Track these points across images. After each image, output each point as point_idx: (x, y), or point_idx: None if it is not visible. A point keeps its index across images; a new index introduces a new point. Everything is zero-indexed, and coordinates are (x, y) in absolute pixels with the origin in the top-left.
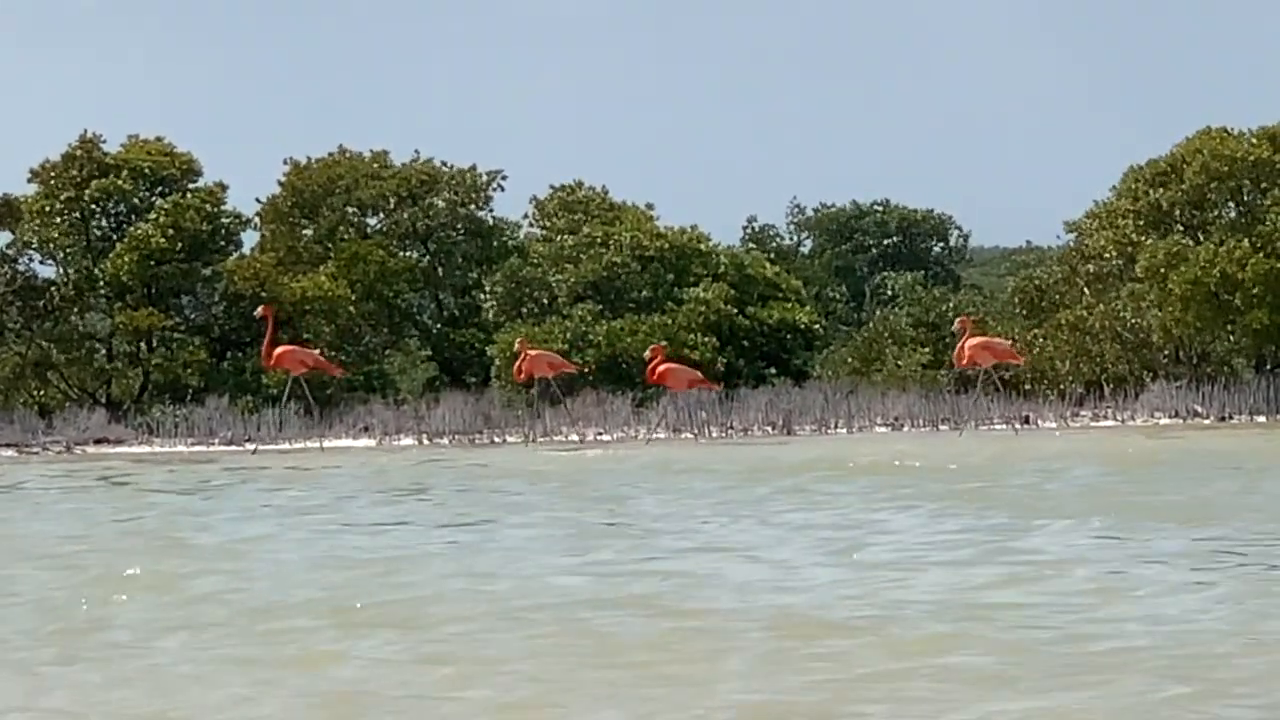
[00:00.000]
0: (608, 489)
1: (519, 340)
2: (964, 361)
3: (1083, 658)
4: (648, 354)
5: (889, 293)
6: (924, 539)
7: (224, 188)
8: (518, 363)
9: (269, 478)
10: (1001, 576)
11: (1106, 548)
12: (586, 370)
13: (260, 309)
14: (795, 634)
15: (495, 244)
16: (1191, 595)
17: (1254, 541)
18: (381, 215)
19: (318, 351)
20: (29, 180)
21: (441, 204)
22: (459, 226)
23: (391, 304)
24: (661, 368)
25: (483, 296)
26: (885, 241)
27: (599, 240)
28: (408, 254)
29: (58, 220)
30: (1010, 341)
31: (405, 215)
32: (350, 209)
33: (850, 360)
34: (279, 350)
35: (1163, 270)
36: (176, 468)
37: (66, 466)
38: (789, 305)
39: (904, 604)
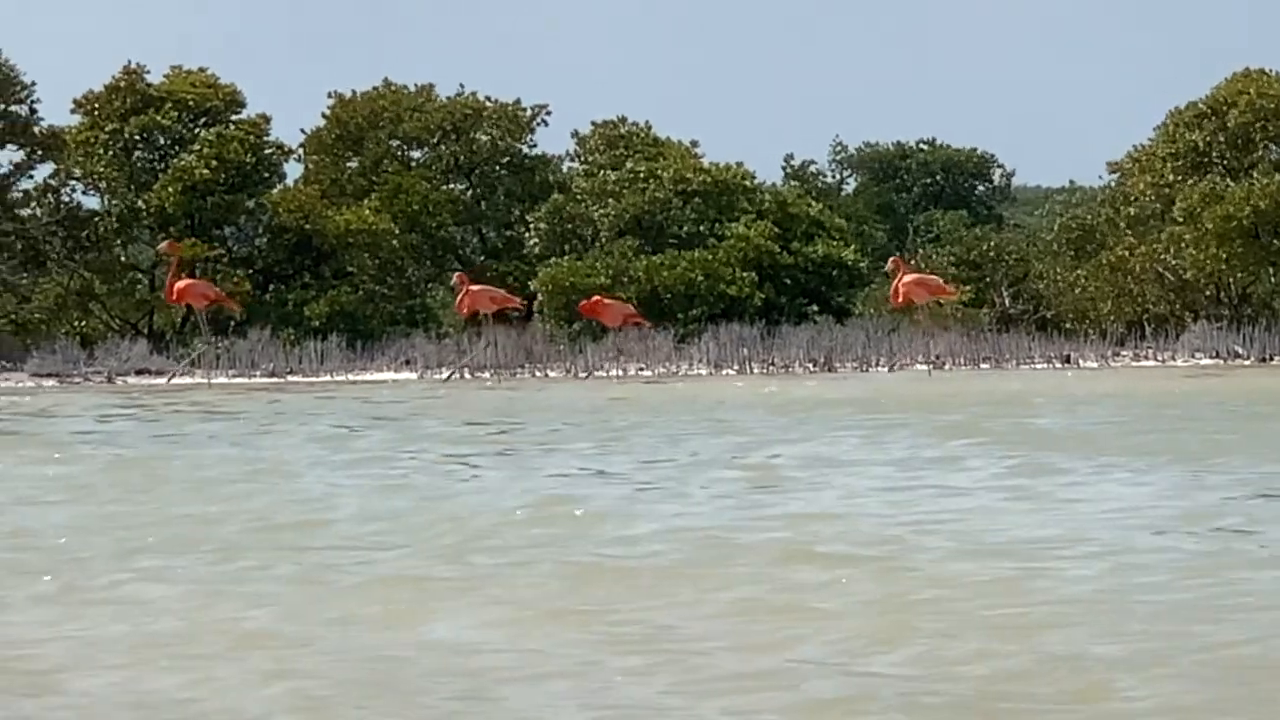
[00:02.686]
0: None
1: (457, 275)
2: (899, 299)
3: None
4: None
5: (933, 231)
6: None
7: (267, 119)
8: (459, 298)
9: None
10: None
11: None
12: (523, 306)
13: (164, 244)
14: None
15: (538, 179)
16: None
17: None
18: (425, 149)
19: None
20: (72, 111)
21: (485, 138)
22: (502, 161)
23: (434, 237)
24: (594, 301)
25: (525, 231)
26: (928, 180)
27: (642, 175)
28: (451, 187)
29: (101, 151)
30: (943, 279)
31: (449, 149)
32: (394, 142)
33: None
34: (180, 284)
35: (1198, 211)
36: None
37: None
38: (833, 242)
39: None
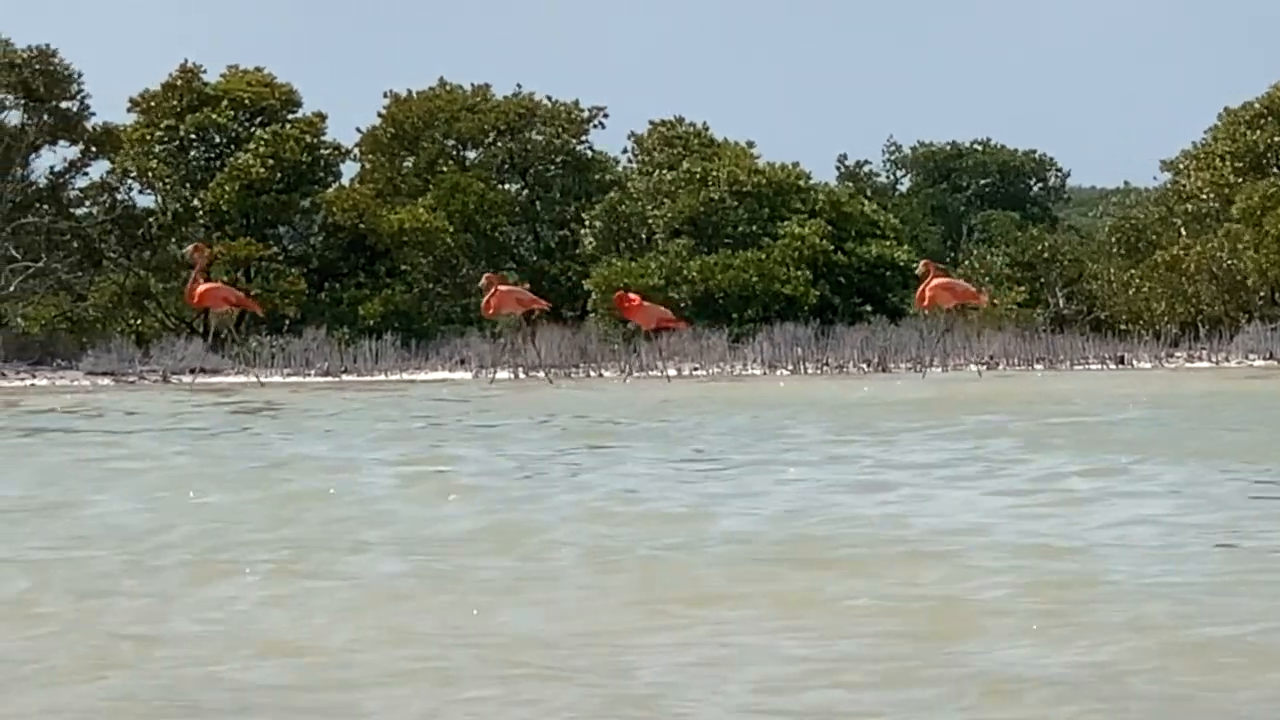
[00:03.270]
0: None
1: (486, 276)
2: (925, 303)
3: None
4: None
5: (988, 232)
6: None
7: (323, 118)
8: (486, 298)
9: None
10: None
11: None
12: (549, 308)
13: (191, 247)
14: None
15: (593, 178)
16: None
17: None
18: (481, 148)
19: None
20: (129, 109)
21: (540, 137)
22: (557, 160)
23: (489, 236)
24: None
25: (581, 230)
26: (983, 181)
27: (698, 176)
28: (506, 187)
29: (157, 149)
30: (976, 287)
31: (504, 148)
32: (449, 141)
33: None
34: (201, 288)
35: (1259, 212)
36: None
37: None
38: (887, 243)
39: None
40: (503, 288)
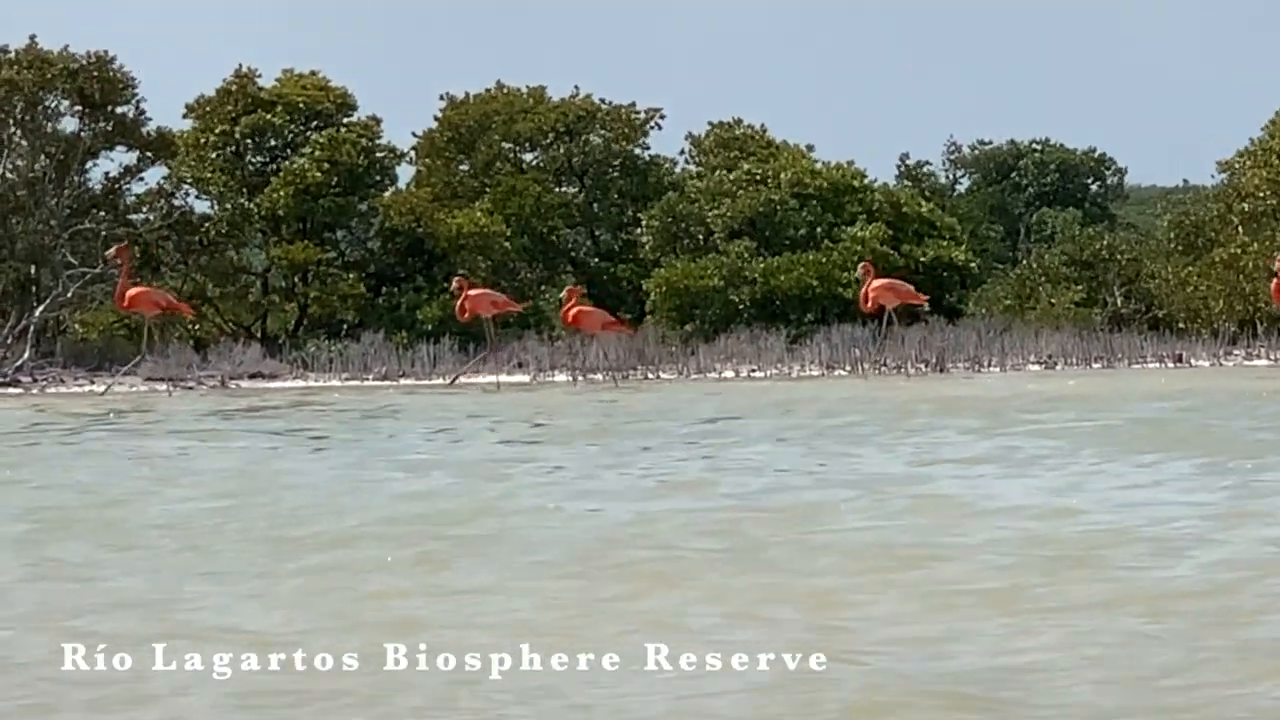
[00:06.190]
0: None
1: (457, 279)
2: (869, 305)
3: None
4: (564, 294)
5: (1048, 230)
6: None
7: (379, 122)
8: (459, 302)
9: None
10: None
11: None
12: (523, 310)
13: (113, 250)
14: None
15: (651, 180)
16: None
17: None
18: (538, 151)
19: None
20: (184, 115)
21: (598, 140)
22: (615, 162)
23: (547, 240)
24: (575, 310)
25: (639, 231)
26: (1042, 180)
27: (758, 177)
28: (564, 189)
29: (212, 155)
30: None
31: (562, 150)
32: (506, 144)
33: (1004, 298)
34: (131, 292)
35: None
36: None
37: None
38: (944, 243)
39: None
40: (473, 291)
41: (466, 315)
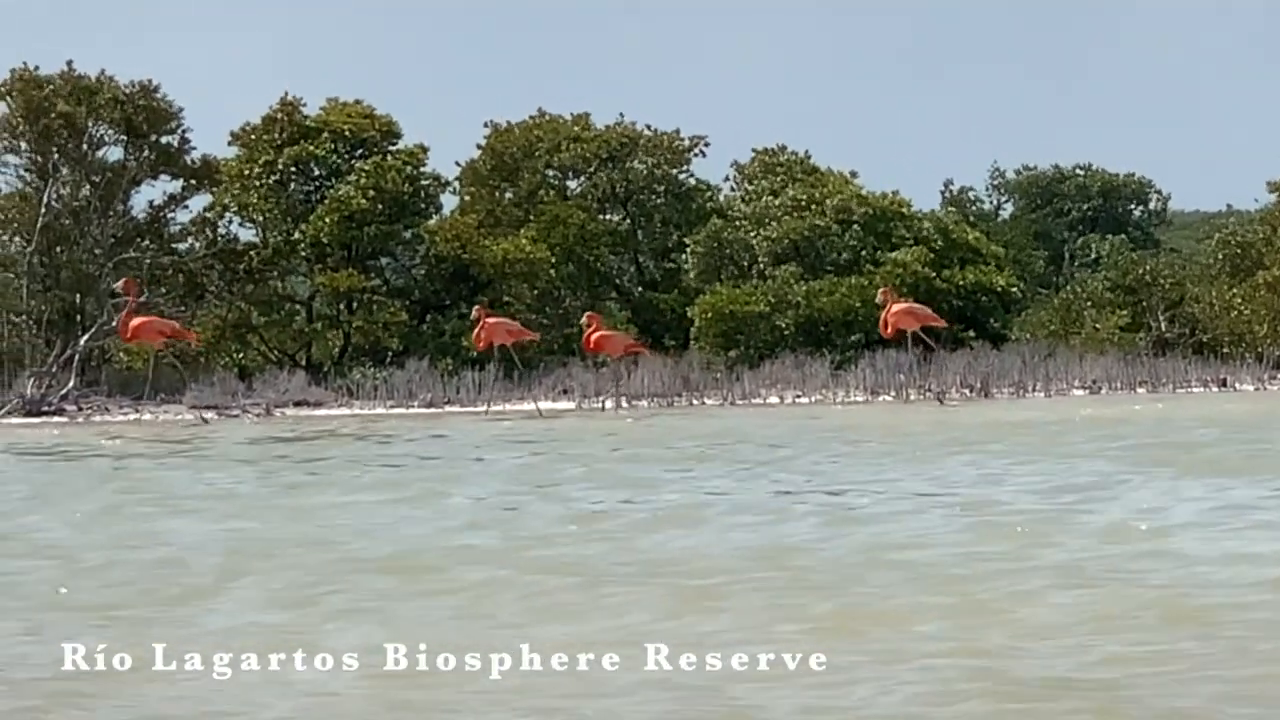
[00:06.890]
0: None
1: (477, 307)
2: (889, 331)
3: None
4: (584, 320)
5: (1092, 255)
6: None
7: (425, 149)
8: (476, 330)
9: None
10: None
11: None
12: (537, 339)
13: (121, 282)
14: None
15: (695, 206)
16: None
17: None
18: (581, 178)
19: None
20: (229, 143)
21: (641, 167)
22: (659, 189)
23: (591, 267)
24: (596, 335)
25: (684, 256)
26: (1085, 205)
27: (803, 202)
28: (608, 217)
29: (257, 183)
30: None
31: (605, 178)
32: (550, 171)
33: (1048, 323)
34: (134, 322)
35: None
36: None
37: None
38: (985, 268)
39: None
40: (491, 320)
41: (483, 344)
